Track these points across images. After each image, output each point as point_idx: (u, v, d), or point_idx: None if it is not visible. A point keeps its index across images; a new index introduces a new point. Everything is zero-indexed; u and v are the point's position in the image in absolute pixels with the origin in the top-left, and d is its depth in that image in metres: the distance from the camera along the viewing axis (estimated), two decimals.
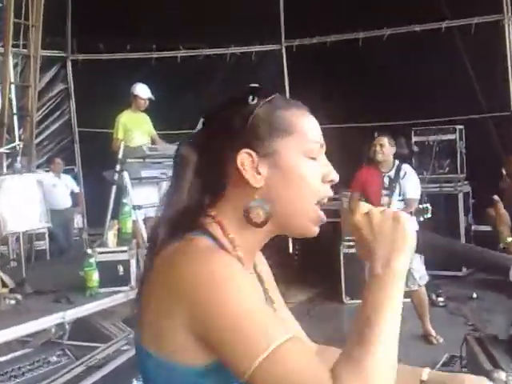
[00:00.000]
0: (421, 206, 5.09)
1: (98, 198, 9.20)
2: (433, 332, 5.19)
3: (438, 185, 7.62)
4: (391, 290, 1.01)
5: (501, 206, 2.56)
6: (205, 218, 1.12)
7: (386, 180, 5.37)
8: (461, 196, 7.69)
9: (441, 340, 5.11)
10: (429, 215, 5.06)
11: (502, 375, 2.21)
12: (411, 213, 5.00)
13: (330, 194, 1.15)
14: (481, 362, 2.32)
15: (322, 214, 1.13)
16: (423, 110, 8.16)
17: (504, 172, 7.43)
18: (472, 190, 7.94)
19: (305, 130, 1.12)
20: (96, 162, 9.26)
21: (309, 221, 1.13)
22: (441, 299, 6.23)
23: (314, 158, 1.12)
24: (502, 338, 2.67)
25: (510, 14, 8.17)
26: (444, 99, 7.89)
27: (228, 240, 1.11)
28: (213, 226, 1.11)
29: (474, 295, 6.41)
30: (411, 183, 5.34)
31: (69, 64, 9.93)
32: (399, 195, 5.29)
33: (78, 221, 9.86)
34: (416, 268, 5.04)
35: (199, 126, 1.17)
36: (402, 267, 1.04)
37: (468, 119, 8.14)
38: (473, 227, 7.77)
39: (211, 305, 0.96)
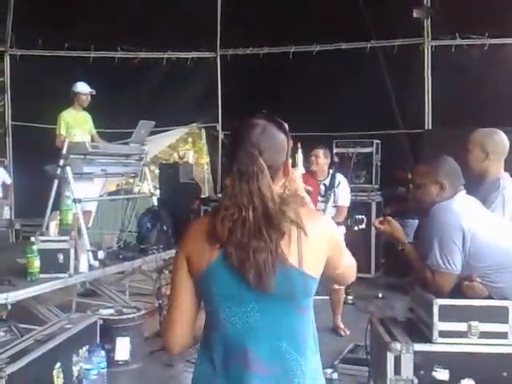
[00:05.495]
0: (357, 217, 5.57)
1: (27, 191, 9.35)
2: (342, 325, 5.77)
3: (353, 193, 8.19)
4: None
5: (390, 220, 3.11)
6: None
7: (322, 187, 5.85)
8: (374, 205, 8.36)
9: (348, 332, 5.68)
10: (363, 226, 5.58)
11: (397, 345, 2.76)
12: (349, 221, 5.50)
13: None
14: (382, 335, 2.86)
15: None
16: (345, 123, 8.72)
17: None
18: (384, 200, 8.55)
19: None
20: (26, 156, 9.39)
21: None
22: (350, 297, 6.79)
23: None
24: (400, 320, 3.24)
25: (429, 38, 8.90)
26: (364, 114, 8.53)
27: None
28: None
29: (380, 295, 7.12)
30: (344, 191, 5.92)
31: (7, 58, 9.93)
32: (333, 202, 5.79)
33: (5, 212, 9.90)
34: None
35: None
36: None
37: (385, 134, 8.84)
38: None
39: None
